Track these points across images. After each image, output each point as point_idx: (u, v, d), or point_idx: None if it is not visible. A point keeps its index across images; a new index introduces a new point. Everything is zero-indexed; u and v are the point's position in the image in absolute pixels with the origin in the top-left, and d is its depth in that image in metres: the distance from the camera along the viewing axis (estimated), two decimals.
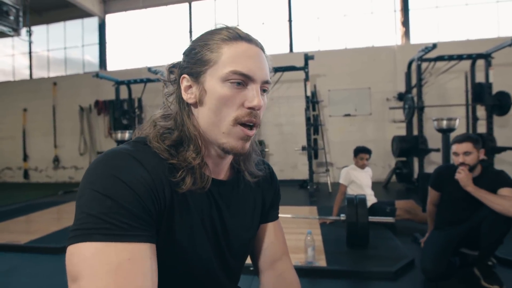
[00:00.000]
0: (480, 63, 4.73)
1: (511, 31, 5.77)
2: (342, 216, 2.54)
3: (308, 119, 4.89)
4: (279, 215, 0.80)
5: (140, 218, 0.47)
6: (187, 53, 0.59)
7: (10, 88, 7.81)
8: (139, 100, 6.02)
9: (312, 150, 5.04)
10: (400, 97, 5.68)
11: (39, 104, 7.50)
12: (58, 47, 7.82)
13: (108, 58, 7.54)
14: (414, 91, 4.97)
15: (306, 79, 4.86)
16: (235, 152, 0.58)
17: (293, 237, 2.53)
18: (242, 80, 0.55)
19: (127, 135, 4.31)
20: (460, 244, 1.94)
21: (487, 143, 4.28)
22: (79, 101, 7.20)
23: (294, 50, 6.56)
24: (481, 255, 1.84)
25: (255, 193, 0.71)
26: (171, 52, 6.99)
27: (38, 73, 7.95)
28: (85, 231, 0.44)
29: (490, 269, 1.83)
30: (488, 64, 4.52)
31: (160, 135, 0.56)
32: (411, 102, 4.83)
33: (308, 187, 4.77)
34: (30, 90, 7.65)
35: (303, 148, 5.17)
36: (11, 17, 3.91)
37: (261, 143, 5.84)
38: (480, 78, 4.73)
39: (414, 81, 5.02)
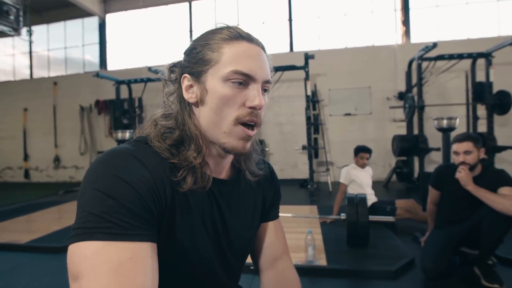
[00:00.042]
0: (481, 62, 4.72)
1: (511, 30, 5.76)
2: (343, 215, 2.54)
3: (308, 118, 4.89)
4: (280, 214, 0.80)
5: (141, 217, 0.47)
6: (188, 53, 0.59)
7: (11, 87, 7.82)
8: (140, 99, 6.03)
9: (313, 149, 5.03)
10: (401, 96, 5.67)
11: (39, 104, 7.51)
12: (59, 46, 7.83)
13: (109, 58, 7.54)
14: (415, 90, 4.97)
15: (307, 78, 4.86)
16: (236, 152, 0.58)
17: (294, 236, 2.53)
18: (244, 80, 0.55)
19: (127, 134, 4.31)
20: (460, 243, 1.94)
21: (487, 142, 4.28)
22: (79, 100, 7.20)
23: (295, 49, 6.56)
24: (481, 254, 1.84)
25: (255, 192, 0.71)
26: (172, 51, 6.99)
27: (38, 73, 7.96)
28: (87, 230, 0.44)
29: (490, 268, 1.83)
30: (489, 63, 4.52)
31: (161, 134, 0.57)
32: (411, 101, 4.83)
33: (309, 186, 4.78)
34: (30, 89, 7.66)
35: (304, 147, 5.17)
36: (12, 17, 3.92)
37: (261, 142, 5.85)
38: (480, 77, 4.72)
39: (414, 80, 5.02)
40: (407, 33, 6.16)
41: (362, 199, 2.46)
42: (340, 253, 2.31)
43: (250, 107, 0.56)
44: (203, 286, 0.61)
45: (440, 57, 4.71)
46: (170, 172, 0.53)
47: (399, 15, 6.25)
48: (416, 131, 4.92)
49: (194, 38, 0.61)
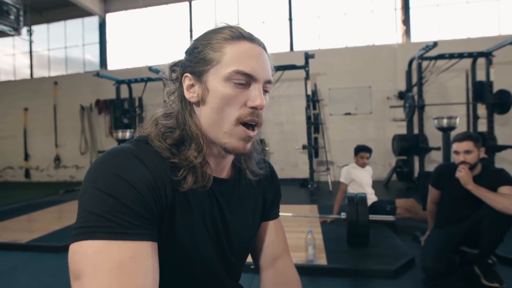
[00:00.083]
0: (481, 61, 4.71)
1: None
2: (343, 215, 2.54)
3: (308, 117, 4.88)
4: (280, 213, 0.80)
5: (142, 217, 0.47)
6: (189, 52, 0.59)
7: (11, 87, 7.82)
8: (140, 99, 6.03)
9: (313, 148, 5.03)
10: (401, 95, 5.67)
11: (40, 104, 7.51)
12: (59, 46, 7.82)
13: (109, 57, 7.53)
14: (415, 89, 4.97)
15: (307, 77, 4.86)
16: (236, 152, 0.58)
17: (294, 236, 2.54)
18: (245, 81, 0.55)
19: (128, 134, 4.31)
20: (460, 242, 1.95)
21: (487, 142, 4.28)
22: (80, 100, 7.20)
23: (295, 48, 6.55)
24: (481, 253, 1.84)
25: (256, 192, 0.71)
26: (172, 51, 6.99)
27: (38, 73, 7.96)
28: (88, 229, 0.44)
29: (490, 267, 1.83)
30: (489, 63, 4.51)
31: (161, 134, 0.57)
32: (411, 100, 4.82)
33: (309, 185, 4.78)
34: (31, 89, 7.66)
35: (304, 147, 5.17)
36: (12, 17, 3.92)
37: (262, 141, 5.85)
38: (481, 76, 4.72)
39: (414, 79, 5.02)
40: (407, 32, 6.15)
41: (362, 198, 2.46)
42: (340, 252, 2.31)
43: (252, 107, 0.56)
44: (203, 285, 0.62)
45: (441, 57, 4.70)
46: (170, 172, 0.53)
47: (399, 14, 6.24)
48: (416, 131, 4.92)
49: (195, 37, 0.61)
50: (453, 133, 2.45)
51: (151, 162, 0.51)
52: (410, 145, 4.85)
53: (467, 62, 4.92)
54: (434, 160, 5.53)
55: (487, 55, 4.52)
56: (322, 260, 2.14)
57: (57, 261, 2.33)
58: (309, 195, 4.50)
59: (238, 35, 0.56)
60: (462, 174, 1.85)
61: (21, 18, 4.09)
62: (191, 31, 7.03)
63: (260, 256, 0.76)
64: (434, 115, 3.35)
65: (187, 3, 7.04)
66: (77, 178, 7.29)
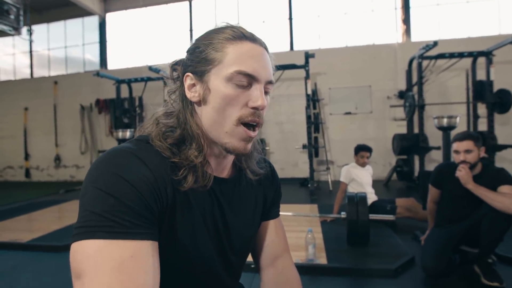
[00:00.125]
0: (481, 60, 4.71)
1: None
2: (343, 214, 2.54)
3: (308, 117, 4.88)
4: (280, 213, 0.81)
5: (142, 216, 0.47)
6: (191, 51, 0.59)
7: (11, 87, 7.82)
8: (140, 98, 6.03)
9: (313, 148, 5.04)
10: (401, 95, 5.67)
11: (40, 103, 7.51)
12: (59, 46, 7.82)
13: (109, 57, 7.53)
14: (415, 89, 4.97)
15: (307, 77, 4.86)
16: (237, 152, 0.58)
17: (294, 235, 2.54)
18: (247, 81, 0.55)
19: (128, 133, 4.31)
20: (460, 241, 1.95)
21: (488, 141, 4.28)
22: (80, 100, 7.20)
23: (295, 48, 6.55)
24: (481, 253, 1.84)
25: (256, 191, 0.72)
26: (172, 50, 6.99)
27: (38, 72, 7.96)
28: (89, 228, 0.44)
29: (490, 266, 1.84)
30: (489, 62, 4.51)
31: (162, 133, 0.57)
32: (411, 100, 4.82)
33: (309, 185, 4.78)
34: (31, 89, 7.66)
35: (304, 146, 5.17)
36: (12, 16, 3.92)
37: (262, 141, 5.84)
38: (481, 76, 4.71)
39: (414, 79, 5.02)
40: (407, 31, 6.15)
41: (363, 197, 2.46)
42: (340, 251, 2.32)
43: (253, 108, 0.56)
44: (204, 285, 0.62)
45: (441, 56, 4.70)
46: (171, 171, 0.53)
47: (399, 13, 6.24)
48: (416, 130, 4.92)
49: (197, 36, 0.61)
50: (453, 133, 2.45)
51: (152, 161, 0.52)
52: (410, 145, 4.85)
53: (467, 62, 4.92)
54: (434, 159, 5.53)
55: (487, 54, 4.52)
56: (322, 260, 2.14)
57: (58, 261, 2.33)
58: (309, 195, 4.50)
59: (240, 35, 0.56)
60: (462, 174, 1.85)
61: (21, 18, 4.08)
62: (191, 30, 7.03)
63: (260, 256, 0.76)
64: (434, 115, 3.35)
65: (187, 2, 7.04)
66: (77, 177, 7.30)
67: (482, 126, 4.76)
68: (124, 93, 5.99)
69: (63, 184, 6.69)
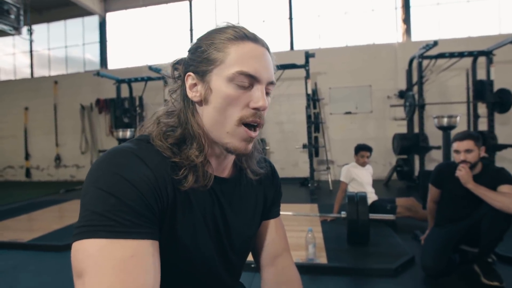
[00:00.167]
0: (482, 60, 4.71)
1: None
2: (343, 214, 2.55)
3: (309, 117, 4.89)
4: (280, 212, 0.81)
5: (143, 216, 0.47)
6: (193, 51, 0.59)
7: (11, 87, 7.82)
8: (140, 98, 6.03)
9: (313, 148, 5.04)
10: (401, 94, 5.67)
11: (40, 103, 7.51)
12: (59, 45, 7.82)
13: (109, 57, 7.53)
14: (415, 88, 4.97)
15: (307, 77, 4.86)
16: (238, 153, 0.58)
17: (294, 235, 2.54)
18: (248, 82, 0.55)
19: (128, 133, 4.31)
20: (460, 241, 1.95)
21: (488, 141, 4.28)
22: (80, 99, 7.21)
23: (295, 48, 6.55)
24: (481, 252, 1.84)
25: (257, 191, 0.72)
26: (172, 50, 6.98)
27: (39, 72, 7.96)
28: (90, 228, 0.45)
29: (490, 266, 1.84)
30: (490, 62, 4.51)
31: (163, 133, 0.57)
32: (412, 99, 4.82)
33: (309, 185, 4.78)
34: (31, 88, 7.66)
35: (304, 146, 5.17)
36: (12, 16, 3.92)
37: (262, 141, 5.85)
38: (481, 75, 4.71)
39: (415, 78, 5.01)
40: (407, 31, 6.15)
41: (363, 197, 2.47)
42: (340, 251, 2.32)
43: (254, 108, 0.56)
44: (204, 284, 0.62)
45: (441, 55, 4.70)
46: (171, 171, 0.53)
47: (399, 13, 6.23)
48: (416, 130, 4.92)
49: (198, 36, 0.61)
50: (453, 132, 2.45)
51: (152, 161, 0.52)
52: (410, 144, 4.85)
53: (467, 61, 4.92)
54: (434, 159, 5.53)
55: (488, 54, 4.51)
56: (322, 259, 2.14)
57: (58, 260, 2.33)
58: (310, 194, 4.51)
59: (242, 35, 0.56)
60: (462, 173, 1.85)
61: (22, 18, 4.08)
62: (191, 30, 7.03)
63: (260, 255, 0.76)
64: (435, 114, 3.35)
65: (187, 2, 7.04)
66: (77, 177, 7.30)
67: (482, 125, 4.76)
68: (124, 92, 5.99)
69: (64, 184, 6.69)
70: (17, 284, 2.00)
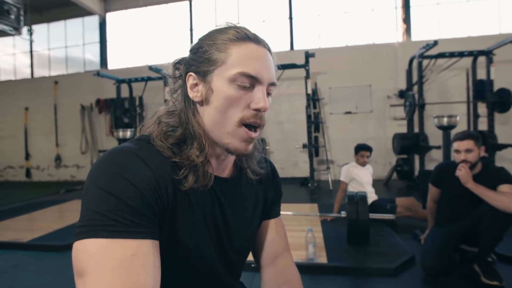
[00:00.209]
0: (482, 60, 4.71)
1: None
2: (343, 213, 2.55)
3: (309, 116, 4.89)
4: (281, 212, 0.81)
5: (143, 215, 0.47)
6: (194, 51, 0.59)
7: (11, 87, 7.83)
8: (140, 98, 6.03)
9: (313, 147, 5.04)
10: (401, 94, 5.67)
11: (40, 103, 7.52)
12: (59, 45, 7.82)
13: (109, 57, 7.53)
14: (415, 88, 4.97)
15: (307, 76, 4.86)
16: (238, 153, 0.58)
17: (294, 234, 2.54)
18: (249, 83, 0.55)
19: (128, 133, 4.32)
20: (460, 240, 1.95)
21: (488, 140, 4.28)
22: (80, 99, 7.21)
23: (295, 47, 6.55)
24: (481, 252, 1.85)
25: (257, 190, 0.72)
26: (172, 50, 6.98)
27: (39, 72, 7.96)
28: (91, 227, 0.45)
29: (489, 265, 1.84)
30: (490, 61, 4.51)
31: (163, 133, 0.57)
32: (412, 99, 4.82)
33: (309, 184, 4.78)
34: (31, 89, 7.66)
35: (304, 146, 5.17)
36: (12, 16, 3.92)
37: (262, 141, 5.85)
38: (481, 75, 4.71)
39: (415, 78, 5.02)
40: (407, 31, 6.15)
41: (363, 197, 2.47)
42: (340, 250, 2.32)
43: (255, 109, 0.56)
44: (204, 284, 0.62)
45: (441, 55, 4.71)
46: (172, 171, 0.53)
47: (399, 13, 6.23)
48: (416, 129, 4.92)
49: (199, 36, 0.61)
50: (453, 132, 2.46)
51: (153, 161, 0.52)
52: (410, 144, 4.86)
53: (467, 61, 4.92)
54: (434, 158, 5.53)
55: (488, 53, 4.52)
56: (322, 259, 2.14)
57: (58, 260, 2.34)
58: (310, 194, 4.51)
59: (244, 36, 0.56)
60: (462, 173, 1.86)
61: (22, 18, 4.08)
62: (191, 30, 7.03)
63: (261, 254, 0.76)
64: (435, 114, 3.36)
65: (187, 2, 7.04)
66: (77, 177, 7.31)
67: (482, 125, 4.76)
68: (125, 93, 6.00)
69: (64, 184, 6.69)
70: (17, 284, 2.00)
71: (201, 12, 7.00)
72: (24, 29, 4.32)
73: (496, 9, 5.90)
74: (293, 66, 4.89)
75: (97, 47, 7.56)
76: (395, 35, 6.27)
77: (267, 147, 6.29)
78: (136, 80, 5.77)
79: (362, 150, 3.11)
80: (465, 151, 1.87)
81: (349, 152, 3.54)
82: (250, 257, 0.76)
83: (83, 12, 7.21)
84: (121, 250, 0.44)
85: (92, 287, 0.42)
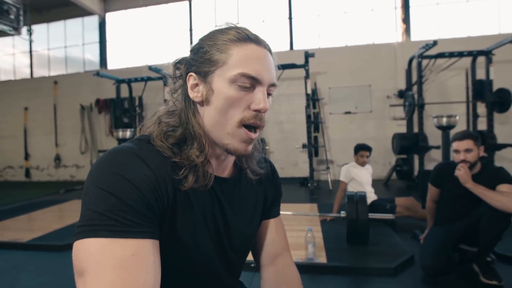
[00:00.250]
0: (481, 60, 4.72)
1: None
2: (343, 213, 2.55)
3: (308, 116, 4.89)
4: (280, 212, 0.81)
5: (143, 215, 0.48)
6: (195, 51, 0.59)
7: (11, 87, 7.82)
8: (140, 98, 6.03)
9: (313, 147, 5.04)
10: (401, 94, 5.67)
11: (40, 103, 7.51)
12: (59, 45, 7.82)
13: (109, 57, 7.53)
14: (415, 88, 4.97)
15: (307, 76, 4.86)
16: (238, 154, 0.59)
17: (294, 234, 2.55)
18: (250, 84, 0.56)
19: (128, 133, 4.32)
20: (459, 240, 1.96)
21: (487, 140, 4.29)
22: (80, 99, 7.20)
23: (295, 47, 6.55)
24: (480, 251, 1.85)
25: (257, 190, 0.72)
26: (172, 50, 6.98)
27: (38, 72, 7.96)
28: (91, 227, 0.45)
29: (489, 265, 1.84)
30: (489, 61, 4.51)
31: (164, 133, 0.57)
32: (411, 99, 4.83)
33: (309, 184, 4.78)
34: (31, 89, 7.66)
35: (304, 146, 5.18)
36: (12, 16, 3.92)
37: (262, 141, 5.85)
38: (480, 75, 4.72)
39: (414, 78, 5.02)
40: (407, 31, 6.15)
41: (362, 197, 2.47)
42: (340, 250, 2.32)
43: (255, 110, 0.56)
44: (204, 283, 0.62)
45: (440, 55, 4.71)
46: (172, 171, 0.53)
47: (399, 13, 6.24)
48: (416, 129, 4.93)
49: (199, 36, 0.61)
50: (452, 132, 2.46)
51: (153, 161, 0.52)
52: (410, 144, 4.86)
53: (467, 61, 4.92)
54: (433, 158, 5.54)
55: (487, 53, 4.52)
56: (322, 258, 2.15)
57: (58, 260, 2.33)
58: (309, 194, 4.51)
59: (245, 37, 0.56)
60: (461, 173, 1.86)
61: (21, 18, 4.08)
62: (191, 30, 7.03)
63: (260, 254, 0.76)
64: (434, 114, 3.36)
65: (187, 2, 7.04)
66: (77, 177, 7.30)
67: (482, 125, 4.77)
68: (124, 93, 5.99)
69: (63, 184, 6.69)
70: (17, 284, 2.00)
71: (201, 12, 7.00)
72: (24, 29, 4.32)
73: (496, 9, 5.90)
74: (292, 66, 4.89)
75: (96, 47, 7.56)
76: (395, 35, 6.27)
77: (267, 147, 6.29)
78: (136, 80, 5.77)
79: (361, 150, 3.11)
80: (464, 151, 1.88)
81: (349, 152, 3.54)
82: (250, 257, 0.76)
83: (83, 12, 7.21)
84: (121, 250, 0.44)
85: (92, 287, 0.42)
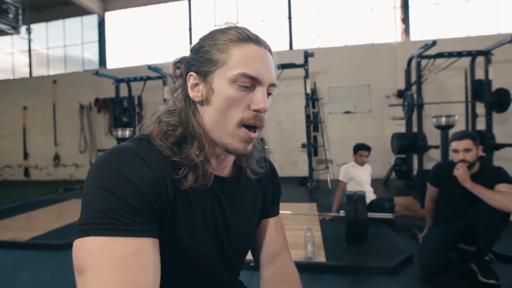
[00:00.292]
0: (480, 60, 4.73)
1: (511, 28, 5.75)
2: (342, 213, 2.56)
3: (308, 116, 4.89)
4: (280, 211, 0.81)
5: (143, 214, 0.48)
6: (195, 51, 0.59)
7: (10, 86, 7.81)
8: (139, 97, 6.02)
9: (312, 147, 5.05)
10: (400, 94, 5.68)
11: (39, 102, 7.50)
12: (58, 45, 7.80)
13: (108, 56, 7.52)
14: (414, 88, 4.98)
15: (306, 76, 4.86)
16: (237, 153, 0.59)
17: (293, 233, 2.55)
18: (250, 84, 0.56)
19: (127, 132, 4.31)
20: (458, 239, 1.96)
21: (486, 140, 4.29)
22: (79, 99, 7.19)
23: (294, 47, 6.55)
24: (478, 251, 1.86)
25: (256, 189, 0.72)
26: (171, 49, 6.98)
27: (37, 71, 7.94)
28: (91, 226, 0.45)
29: (487, 264, 1.85)
30: (488, 61, 4.52)
31: (164, 132, 0.57)
32: (410, 99, 4.83)
33: (308, 184, 4.79)
34: (29, 88, 7.64)
35: (303, 146, 5.18)
36: (10, 15, 3.90)
37: (261, 140, 5.85)
38: (479, 75, 4.73)
39: (413, 78, 5.02)
40: (406, 31, 6.16)
41: (361, 196, 2.47)
42: (339, 249, 2.33)
43: (255, 110, 0.57)
44: (203, 283, 0.62)
45: (440, 55, 4.72)
46: (171, 170, 0.54)
47: (398, 12, 6.24)
48: (415, 129, 4.94)
49: (199, 35, 0.61)
50: (451, 132, 2.46)
51: (153, 160, 0.52)
52: (409, 144, 4.87)
53: (466, 61, 4.93)
54: (432, 158, 5.55)
55: (486, 53, 4.53)
56: (321, 258, 2.15)
57: (57, 259, 2.33)
58: (308, 193, 4.52)
59: (245, 37, 0.57)
60: (460, 172, 1.86)
61: (20, 17, 4.07)
62: (190, 29, 7.02)
63: (260, 253, 0.76)
64: (433, 114, 3.36)
65: (186, 1, 7.03)
66: (76, 176, 7.29)
67: (481, 125, 4.78)
68: (123, 92, 5.99)
69: (62, 183, 6.68)
70: (16, 283, 2.00)
71: (200, 11, 7.00)
72: (23, 28, 4.31)
73: (495, 9, 5.91)
74: (292, 65, 4.89)
75: (96, 46, 7.55)
76: (394, 35, 6.28)
77: (266, 147, 6.29)
78: (135, 79, 5.76)
79: (361, 150, 3.12)
80: (463, 151, 1.88)
81: (348, 152, 3.55)
82: (249, 256, 0.76)
83: (82, 11, 7.19)
84: (121, 248, 0.44)
85: (92, 285, 0.43)
